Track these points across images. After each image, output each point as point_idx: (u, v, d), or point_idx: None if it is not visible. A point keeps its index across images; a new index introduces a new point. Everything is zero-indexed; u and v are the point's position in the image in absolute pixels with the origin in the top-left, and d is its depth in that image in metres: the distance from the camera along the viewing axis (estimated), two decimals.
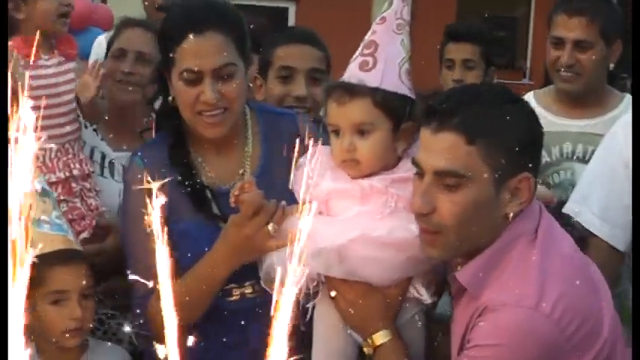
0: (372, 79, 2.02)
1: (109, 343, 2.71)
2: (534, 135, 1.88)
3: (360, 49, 2.09)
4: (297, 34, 2.95)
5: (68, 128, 2.94)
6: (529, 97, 3.15)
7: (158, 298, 2.27)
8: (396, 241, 1.97)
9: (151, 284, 2.26)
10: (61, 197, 2.86)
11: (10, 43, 2.73)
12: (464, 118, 1.79)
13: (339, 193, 2.05)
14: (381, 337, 2.04)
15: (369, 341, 2.06)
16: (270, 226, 2.09)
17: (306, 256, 1.93)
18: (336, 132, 2.07)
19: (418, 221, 1.88)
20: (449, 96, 1.92)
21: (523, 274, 1.80)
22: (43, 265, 2.33)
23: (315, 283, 2.07)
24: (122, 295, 2.91)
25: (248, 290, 2.29)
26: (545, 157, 2.86)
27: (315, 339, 2.14)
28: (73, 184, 2.85)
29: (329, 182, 2.05)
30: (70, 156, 2.91)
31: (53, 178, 2.87)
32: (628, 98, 3.08)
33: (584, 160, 3.00)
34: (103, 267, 2.83)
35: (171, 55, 2.24)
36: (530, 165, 1.83)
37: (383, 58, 2.04)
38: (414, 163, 1.89)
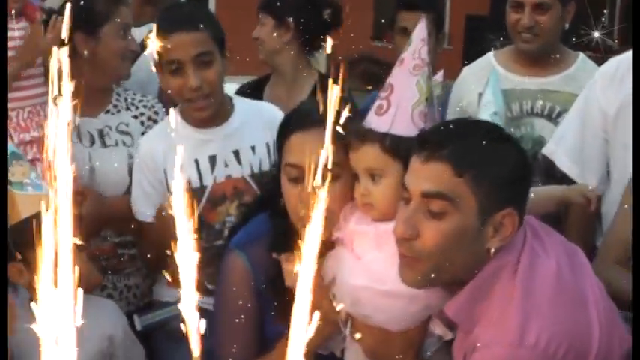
0: (382, 124, 2.00)
1: (98, 297, 2.75)
2: (523, 173, 1.90)
3: (380, 91, 2.06)
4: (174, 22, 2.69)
5: (39, 90, 3.02)
6: (489, 57, 3.34)
7: None
8: (407, 294, 1.92)
9: None
10: (37, 156, 2.90)
11: None
12: (454, 149, 1.80)
13: (359, 234, 2.04)
14: None
15: None
16: None
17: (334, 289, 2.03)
18: (357, 176, 2.06)
19: (399, 246, 1.87)
20: (441, 127, 1.93)
21: (506, 308, 1.80)
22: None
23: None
24: (110, 256, 3.03)
25: None
26: (506, 113, 2.97)
27: None
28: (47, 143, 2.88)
29: (352, 223, 2.06)
30: (42, 117, 2.97)
31: (28, 138, 2.94)
32: (581, 57, 3.29)
33: (543, 115, 3.18)
34: (82, 232, 2.87)
35: (281, 153, 2.19)
36: (515, 202, 1.84)
37: (396, 102, 2.00)
38: (402, 186, 1.89)
